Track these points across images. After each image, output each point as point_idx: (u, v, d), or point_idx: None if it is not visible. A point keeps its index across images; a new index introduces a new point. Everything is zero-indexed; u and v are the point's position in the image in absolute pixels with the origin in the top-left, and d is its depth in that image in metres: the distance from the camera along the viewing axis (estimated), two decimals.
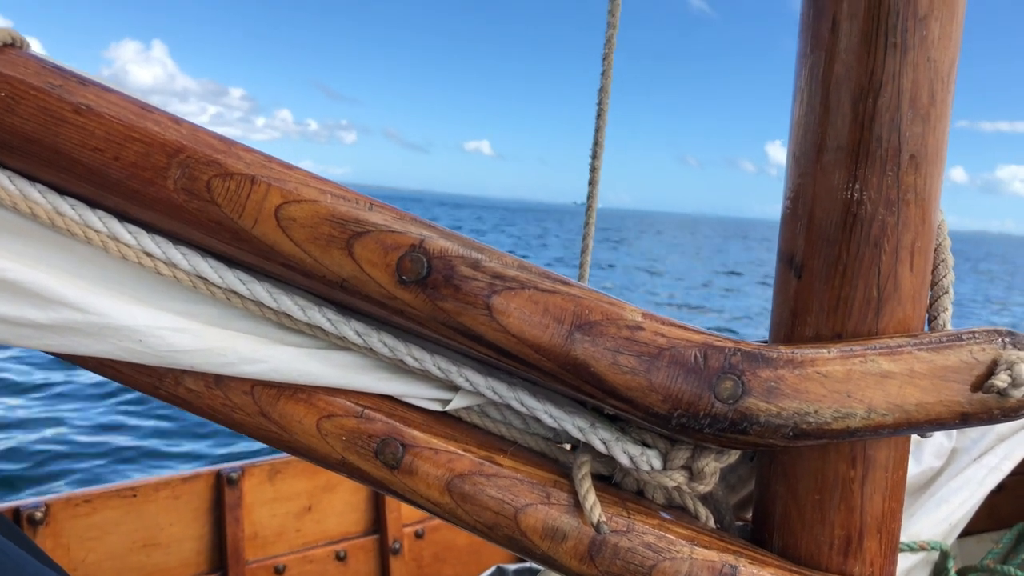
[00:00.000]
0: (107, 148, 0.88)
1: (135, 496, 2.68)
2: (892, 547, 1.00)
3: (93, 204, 0.93)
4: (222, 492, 2.81)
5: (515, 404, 1.00)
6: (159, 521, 2.72)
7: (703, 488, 1.00)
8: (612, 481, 1.05)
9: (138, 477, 2.80)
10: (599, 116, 1.92)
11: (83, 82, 0.89)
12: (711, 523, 1.04)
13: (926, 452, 1.96)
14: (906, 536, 1.76)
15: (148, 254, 0.94)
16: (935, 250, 0.98)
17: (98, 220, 0.93)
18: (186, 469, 2.95)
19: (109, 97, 0.88)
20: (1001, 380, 0.90)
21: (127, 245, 0.93)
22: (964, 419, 0.92)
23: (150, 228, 0.94)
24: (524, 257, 0.93)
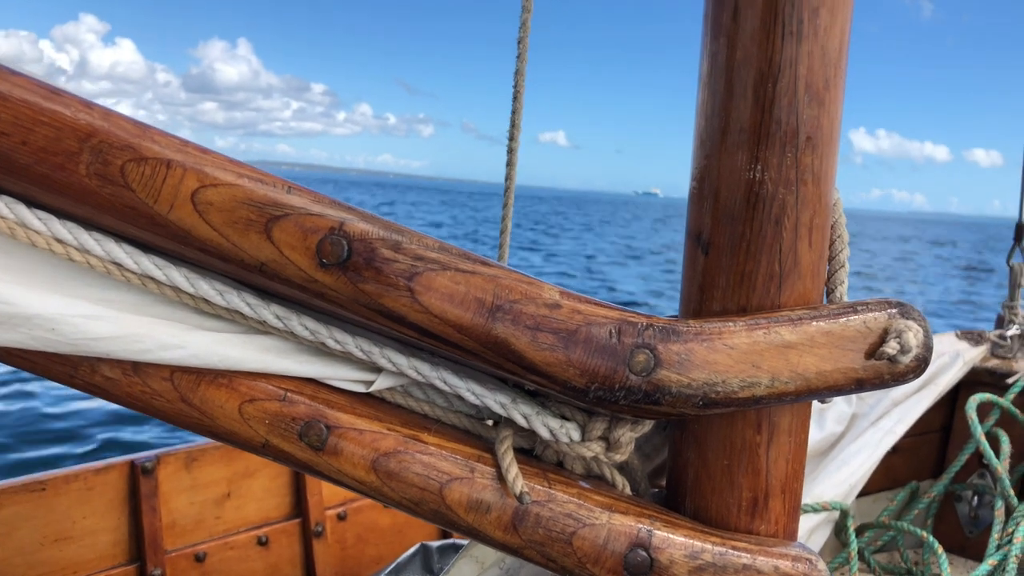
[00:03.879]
0: (14, 132, 0.85)
1: (44, 490, 2.59)
2: (795, 506, 1.07)
3: None
4: (137, 482, 2.74)
5: (438, 383, 1.02)
6: (71, 514, 2.64)
7: (619, 457, 1.05)
8: (533, 454, 1.08)
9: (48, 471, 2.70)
10: (515, 99, 1.93)
11: None
12: (628, 491, 1.09)
13: (829, 419, 2.07)
14: (810, 498, 1.87)
15: (59, 240, 0.91)
16: (832, 227, 1.04)
17: (4, 206, 0.89)
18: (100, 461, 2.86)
19: (15, 79, 0.85)
20: (891, 347, 0.97)
21: (36, 231, 0.90)
22: (859, 384, 0.99)
23: (61, 214, 0.92)
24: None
